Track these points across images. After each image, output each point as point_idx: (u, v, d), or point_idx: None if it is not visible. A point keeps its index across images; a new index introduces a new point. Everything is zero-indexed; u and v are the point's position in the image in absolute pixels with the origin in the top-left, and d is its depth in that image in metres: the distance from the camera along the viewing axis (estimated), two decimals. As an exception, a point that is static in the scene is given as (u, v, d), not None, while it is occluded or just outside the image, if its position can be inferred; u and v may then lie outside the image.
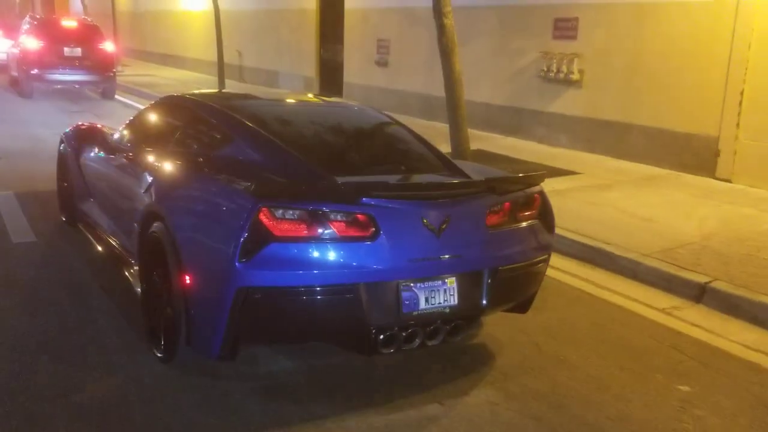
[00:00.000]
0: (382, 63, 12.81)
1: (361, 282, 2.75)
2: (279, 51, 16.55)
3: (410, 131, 4.07)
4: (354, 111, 4.37)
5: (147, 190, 3.49)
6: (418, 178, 3.38)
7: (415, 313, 2.87)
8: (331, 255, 2.73)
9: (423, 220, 2.85)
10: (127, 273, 3.83)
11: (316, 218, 2.72)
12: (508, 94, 10.16)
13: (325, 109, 4.48)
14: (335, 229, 2.75)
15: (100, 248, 4.48)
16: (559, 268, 4.96)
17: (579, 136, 9.13)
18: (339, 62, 14.34)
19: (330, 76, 14.80)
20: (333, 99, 5.13)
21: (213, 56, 19.50)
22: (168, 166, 3.51)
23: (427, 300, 2.89)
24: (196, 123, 3.88)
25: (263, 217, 2.66)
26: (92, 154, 4.79)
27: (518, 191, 3.24)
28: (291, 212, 2.70)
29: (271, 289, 2.69)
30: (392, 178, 3.21)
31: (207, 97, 4.36)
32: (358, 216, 2.78)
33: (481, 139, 9.99)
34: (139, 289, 3.53)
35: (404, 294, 2.84)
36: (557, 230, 5.47)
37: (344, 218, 2.77)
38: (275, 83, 16.85)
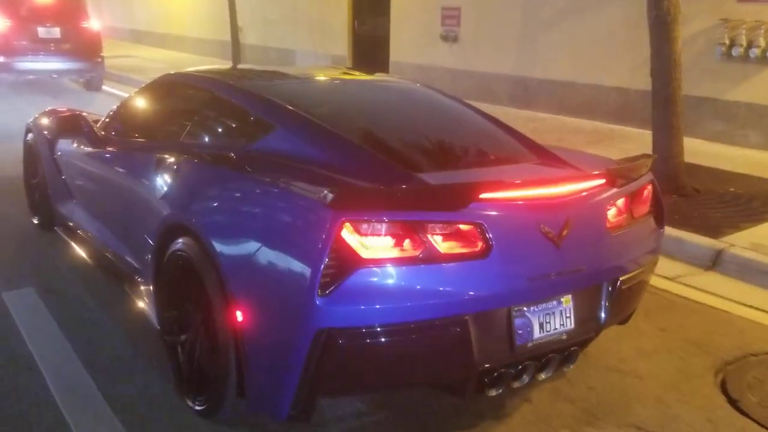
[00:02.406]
0: (451, 38, 10.23)
1: (469, 312, 2.20)
2: (295, 25, 13.76)
3: (481, 112, 3.42)
4: (411, 90, 3.68)
5: (164, 196, 2.81)
6: (522, 172, 2.72)
7: (529, 344, 2.35)
8: (434, 280, 2.15)
9: (541, 226, 2.32)
10: (132, 294, 3.21)
11: (413, 233, 2.14)
12: (657, 76, 7.72)
13: (375, 87, 3.74)
14: (438, 246, 2.17)
15: (88, 258, 3.85)
16: None
17: (779, 132, 6.80)
18: (381, 37, 11.67)
19: (368, 54, 12.14)
20: (379, 76, 4.16)
21: (206, 33, 16.67)
22: (192, 166, 2.84)
23: (541, 326, 2.37)
24: (217, 108, 3.21)
25: (347, 235, 2.07)
26: (73, 147, 4.05)
27: (634, 182, 2.71)
28: (380, 226, 2.11)
29: (361, 330, 2.11)
30: (490, 173, 2.61)
31: (224, 75, 3.62)
32: (466, 227, 2.22)
33: (622, 138, 7.59)
34: (155, 321, 2.88)
35: (517, 322, 2.32)
36: None
37: (448, 231, 2.20)
38: (290, 64, 14.07)
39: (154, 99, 3.74)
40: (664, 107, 5.29)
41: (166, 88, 3.73)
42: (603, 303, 2.57)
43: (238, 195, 2.53)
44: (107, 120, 3.92)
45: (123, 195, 3.31)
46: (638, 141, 7.39)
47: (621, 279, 2.59)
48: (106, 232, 3.59)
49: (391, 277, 2.10)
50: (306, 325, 2.09)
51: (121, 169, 3.44)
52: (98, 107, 9.82)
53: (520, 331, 2.32)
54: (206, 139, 3.14)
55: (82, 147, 3.88)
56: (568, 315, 2.44)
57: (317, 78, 3.77)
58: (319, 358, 2.11)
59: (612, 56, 8.14)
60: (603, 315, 2.57)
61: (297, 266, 2.11)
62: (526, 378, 2.41)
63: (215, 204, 2.60)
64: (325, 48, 12.98)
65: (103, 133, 3.78)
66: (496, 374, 2.32)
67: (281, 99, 2.99)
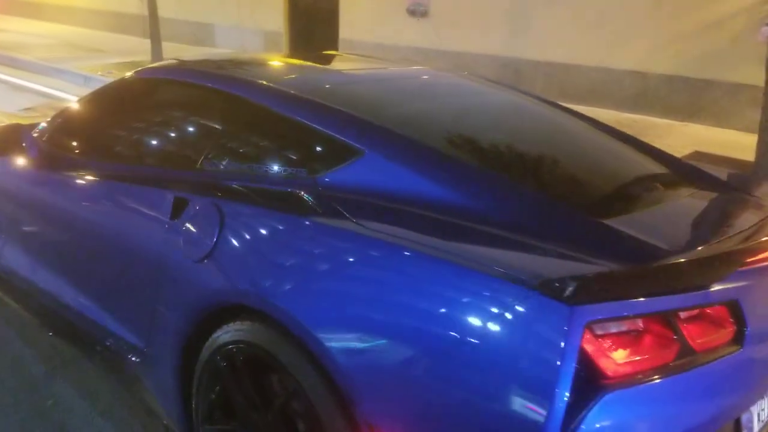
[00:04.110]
0: (419, 12, 8.94)
1: (719, 427, 1.62)
2: (214, -6, 11.89)
3: (581, 115, 2.72)
4: (490, 90, 2.78)
5: (204, 258, 1.93)
6: (720, 209, 2.15)
7: None
8: (691, 392, 1.54)
9: None
10: (121, 377, 2.39)
11: (665, 328, 1.51)
12: (682, 57, 6.89)
13: (452, 86, 2.75)
14: (692, 342, 1.53)
15: (31, 315, 2.79)
16: None
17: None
18: (328, 9, 10.17)
19: (311, 29, 10.59)
20: (419, 66, 3.16)
21: (100, 3, 14.27)
22: (255, 214, 1.95)
23: (758, 416, 1.80)
24: (255, 122, 2.25)
25: (588, 344, 1.41)
26: (5, 168, 2.95)
27: None
28: (622, 325, 1.47)
29: None
30: (677, 213, 2.01)
31: (248, 72, 2.62)
32: (717, 309, 1.62)
33: (655, 131, 6.71)
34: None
35: (744, 419, 1.73)
36: None
37: (698, 318, 1.58)
38: (208, 41, 12.22)
39: (135, 104, 2.73)
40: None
41: (153, 88, 2.70)
42: None
43: (363, 267, 1.69)
44: (53, 131, 2.89)
45: (106, 245, 2.38)
46: (676, 134, 6.54)
47: None
48: (68, 287, 2.63)
49: (643, 399, 1.48)
50: None
51: (97, 207, 2.49)
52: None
53: (746, 431, 1.80)
54: (242, 168, 2.18)
55: (19, 168, 2.92)
56: None
57: (371, 76, 2.80)
58: None
59: (626, 35, 7.22)
60: None
61: (509, 394, 1.43)
62: None
63: (319, 280, 1.73)
64: (255, 22, 11.26)
65: (53, 150, 2.78)
66: None
67: (355, 110, 2.16)
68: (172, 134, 2.53)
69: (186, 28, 12.48)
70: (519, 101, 2.75)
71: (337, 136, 2.02)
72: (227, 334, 1.88)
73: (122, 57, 10.61)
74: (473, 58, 8.55)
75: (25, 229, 2.95)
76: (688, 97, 6.90)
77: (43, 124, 2.99)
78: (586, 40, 7.54)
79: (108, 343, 2.44)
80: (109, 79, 8.75)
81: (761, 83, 6.34)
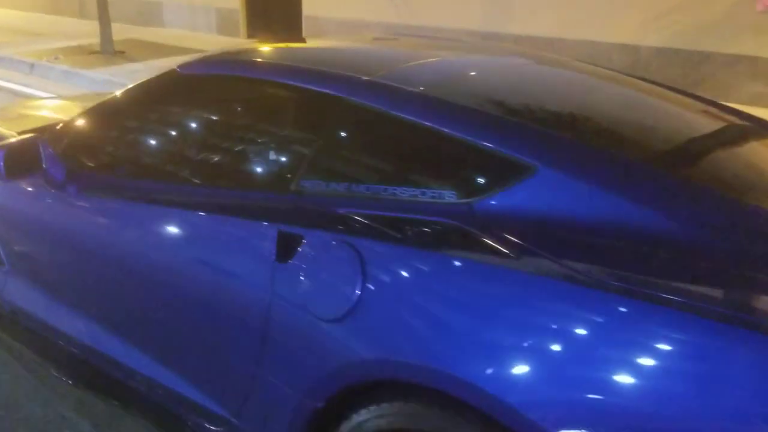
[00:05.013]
0: (390, -15, 8.40)
1: None
2: (160, -30, 11.05)
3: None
4: (614, 80, 2.23)
5: (350, 312, 1.49)
6: None
7: None
8: None
9: None
10: None
11: None
12: (676, 29, 6.60)
13: (550, 73, 2.23)
14: None
15: (60, 373, 2.36)
16: None
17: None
18: (289, -15, 9.51)
19: (270, 6, 9.92)
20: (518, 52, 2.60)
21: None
22: (414, 253, 1.46)
23: None
24: (380, 131, 1.74)
25: None
26: (20, 189, 2.43)
27: None
28: None
29: None
30: None
31: (331, 64, 1.96)
32: None
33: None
34: None
35: None
36: None
37: None
38: (155, 20, 11.38)
39: (186, 108, 2.20)
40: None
41: (207, 86, 2.12)
42: None
43: (605, 334, 1.23)
44: (77, 145, 2.39)
45: (172, 289, 1.92)
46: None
47: None
48: (112, 336, 2.24)
49: None
50: None
51: (158, 242, 1.98)
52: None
53: None
54: (358, 191, 1.67)
55: (41, 193, 2.41)
56: None
57: (491, 66, 2.22)
58: None
59: (615, 6, 6.89)
60: None
61: None
62: None
63: (534, 352, 1.27)
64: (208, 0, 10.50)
65: (85, 170, 2.32)
66: None
67: (513, 113, 1.73)
68: (248, 147, 1.99)
69: (129, 6, 11.60)
70: (671, 100, 2.23)
71: (498, 148, 1.55)
72: (382, 419, 1.46)
73: (66, 40, 9.73)
74: (450, 34, 8.08)
75: (56, 267, 2.46)
76: (682, 70, 6.63)
77: (51, 135, 2.44)
78: (571, 12, 7.18)
79: (168, 405, 2.06)
80: (58, 66, 7.91)
81: (761, 53, 6.14)
